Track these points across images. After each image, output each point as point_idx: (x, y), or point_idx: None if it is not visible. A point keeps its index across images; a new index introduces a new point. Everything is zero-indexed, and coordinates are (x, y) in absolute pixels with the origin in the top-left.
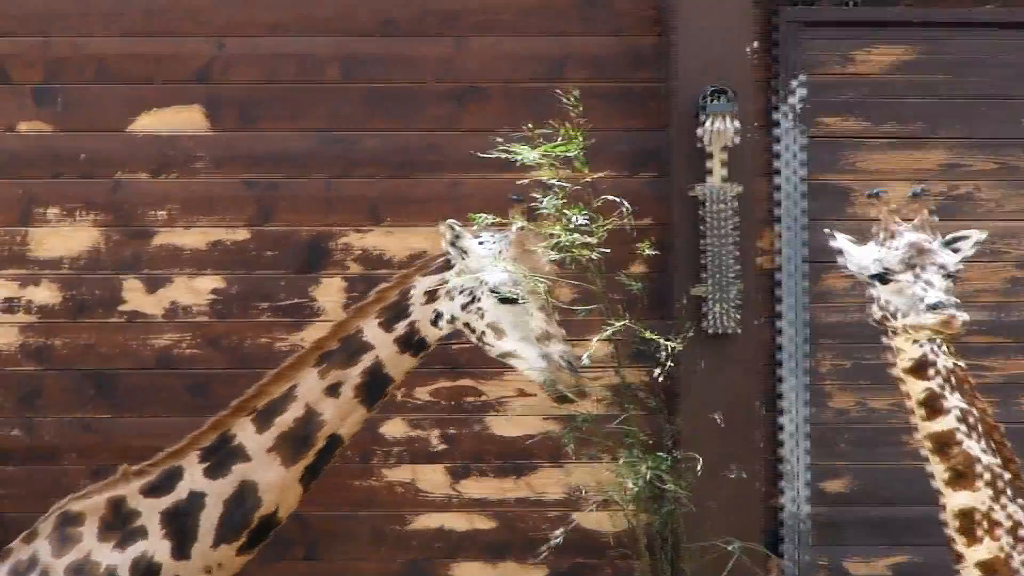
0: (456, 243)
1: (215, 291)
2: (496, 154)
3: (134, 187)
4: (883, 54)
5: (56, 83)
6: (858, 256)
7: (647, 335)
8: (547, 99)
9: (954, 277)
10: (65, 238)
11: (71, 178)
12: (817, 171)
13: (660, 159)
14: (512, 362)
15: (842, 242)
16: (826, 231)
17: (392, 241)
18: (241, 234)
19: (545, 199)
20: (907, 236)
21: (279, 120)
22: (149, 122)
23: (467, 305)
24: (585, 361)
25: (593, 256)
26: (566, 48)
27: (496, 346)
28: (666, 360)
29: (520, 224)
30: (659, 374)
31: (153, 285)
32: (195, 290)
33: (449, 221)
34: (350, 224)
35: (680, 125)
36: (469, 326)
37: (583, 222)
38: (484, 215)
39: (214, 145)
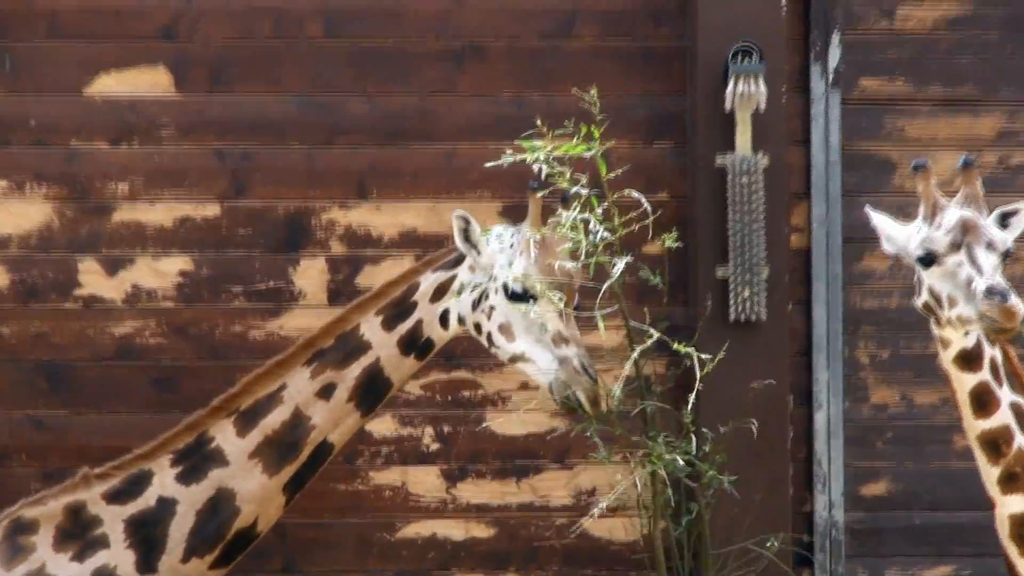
0: (467, 236)
1: (182, 273)
2: (506, 158)
3: (91, 157)
4: (931, 8)
5: (3, 41)
6: (898, 236)
7: (679, 348)
8: (555, 59)
9: (1006, 258)
10: (13, 214)
11: (20, 147)
12: (856, 139)
13: (681, 126)
14: (521, 366)
15: (880, 220)
16: (866, 208)
17: (381, 218)
18: (212, 210)
19: (563, 215)
20: (954, 212)
21: (254, 83)
22: (108, 84)
23: (476, 303)
24: (618, 393)
25: (619, 264)
26: (577, 2)
27: (505, 348)
28: (701, 375)
29: (532, 232)
30: (690, 401)
31: (113, 267)
32: (160, 272)
33: (459, 212)
34: (334, 199)
35: (703, 88)
36: (478, 327)
37: (606, 235)
38: (495, 227)
39: (181, 110)
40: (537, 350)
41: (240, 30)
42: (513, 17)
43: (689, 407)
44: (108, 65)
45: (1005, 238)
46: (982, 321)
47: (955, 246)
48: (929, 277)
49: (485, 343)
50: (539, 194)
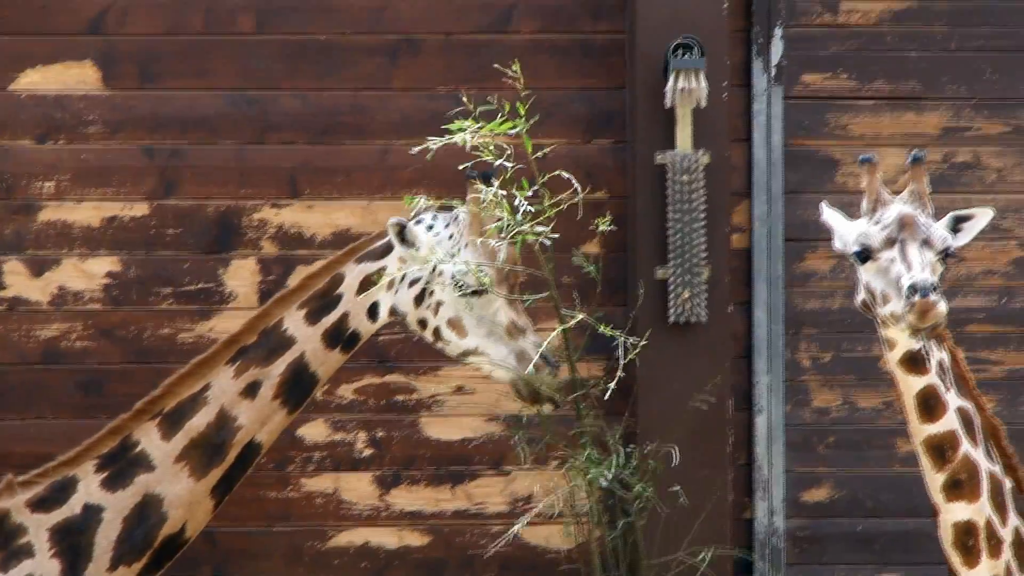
0: (404, 238)
1: (110, 275)
2: (434, 142)
3: (16, 155)
4: (876, 1)
5: None
6: (845, 233)
7: (605, 331)
8: (492, 54)
9: (946, 257)
10: None
11: None
12: (798, 136)
13: (620, 123)
14: (473, 360)
15: (832, 216)
16: (822, 204)
17: (313, 217)
18: (140, 209)
19: (485, 189)
20: (894, 208)
21: (184, 78)
22: (33, 80)
23: (419, 299)
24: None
25: (543, 240)
26: None
27: (454, 343)
28: (626, 359)
29: (464, 209)
30: (611, 383)
31: (38, 268)
32: (87, 274)
33: (394, 220)
34: (265, 198)
35: (643, 84)
36: (423, 322)
37: (530, 209)
38: (419, 197)
39: (109, 107)
40: (490, 343)
41: (169, 24)
42: (448, 10)
43: (607, 395)
44: (34, 60)
45: (944, 236)
46: (903, 318)
47: (890, 242)
48: (865, 273)
49: (430, 338)
50: (477, 183)
